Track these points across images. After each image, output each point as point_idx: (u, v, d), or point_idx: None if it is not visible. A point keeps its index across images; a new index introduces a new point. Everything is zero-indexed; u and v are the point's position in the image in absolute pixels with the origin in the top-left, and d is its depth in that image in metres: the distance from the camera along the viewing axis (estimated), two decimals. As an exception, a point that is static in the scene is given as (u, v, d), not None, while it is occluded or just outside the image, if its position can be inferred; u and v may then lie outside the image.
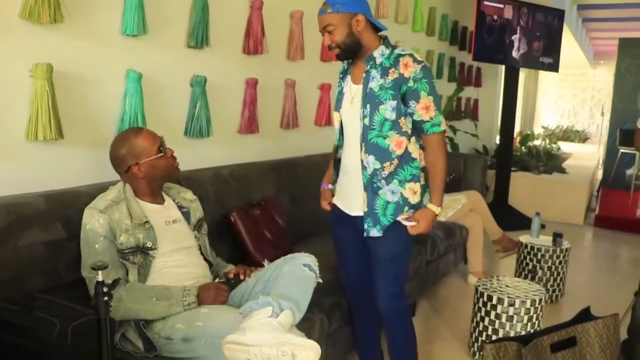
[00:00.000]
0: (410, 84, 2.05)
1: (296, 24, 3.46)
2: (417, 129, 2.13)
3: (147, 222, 1.95)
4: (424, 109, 2.07)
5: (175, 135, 2.68)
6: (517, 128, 11.58)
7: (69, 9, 2.09)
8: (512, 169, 6.27)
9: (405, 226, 2.14)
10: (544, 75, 14.87)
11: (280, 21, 3.39)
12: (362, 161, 2.14)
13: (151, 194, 2.05)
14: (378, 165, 2.11)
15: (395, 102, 2.07)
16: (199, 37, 2.68)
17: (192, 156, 2.76)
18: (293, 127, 3.56)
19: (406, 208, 2.14)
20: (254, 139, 3.26)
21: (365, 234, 2.17)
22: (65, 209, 1.98)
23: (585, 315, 1.78)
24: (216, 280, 2.11)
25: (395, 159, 2.10)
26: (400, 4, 4.89)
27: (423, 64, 2.07)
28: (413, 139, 2.14)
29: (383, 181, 2.11)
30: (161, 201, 2.10)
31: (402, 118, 2.09)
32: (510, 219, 5.55)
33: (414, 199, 2.15)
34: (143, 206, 2.00)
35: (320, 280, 2.02)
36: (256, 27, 3.07)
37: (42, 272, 1.87)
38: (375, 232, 2.15)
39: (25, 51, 2.00)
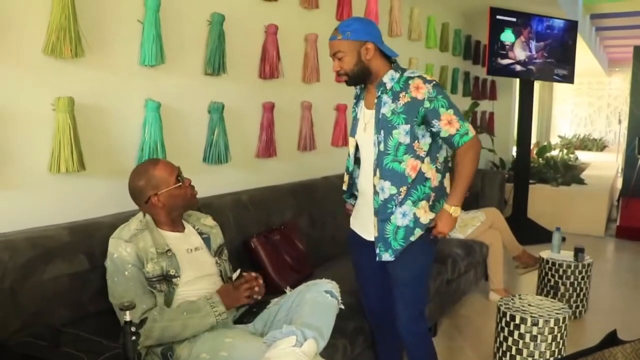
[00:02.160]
0: (427, 104, 2.05)
1: (311, 47, 3.49)
2: (449, 146, 2.13)
3: (169, 250, 1.96)
4: (447, 124, 2.07)
5: (194, 162, 2.71)
6: (533, 139, 11.53)
7: (89, 43, 2.13)
8: (530, 181, 6.23)
9: (421, 248, 2.13)
10: (558, 84, 14.76)
11: (295, 45, 3.42)
12: (374, 186, 2.15)
13: (171, 223, 2.07)
14: (394, 191, 2.11)
15: (409, 125, 2.07)
16: (216, 64, 2.72)
17: (211, 182, 2.78)
18: (310, 149, 3.57)
19: (417, 230, 2.13)
20: (272, 163, 3.28)
21: (377, 259, 2.17)
22: (88, 240, 2.00)
23: (612, 339, 1.76)
24: (239, 310, 2.11)
25: (410, 183, 2.11)
26: (413, 22, 4.91)
27: (433, 82, 2.08)
28: (427, 159, 2.14)
29: (398, 205, 2.11)
30: (182, 229, 2.11)
31: (416, 141, 2.09)
32: (529, 232, 5.51)
33: (424, 218, 2.14)
34: (164, 235, 2.02)
35: (342, 307, 2.02)
36: (271, 52, 3.10)
37: (67, 305, 1.89)
38: (387, 257, 2.15)
39: (48, 85, 2.05)
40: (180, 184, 2.06)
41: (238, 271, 2.14)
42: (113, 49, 2.28)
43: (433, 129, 2.09)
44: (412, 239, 2.13)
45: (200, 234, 2.17)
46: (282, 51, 3.19)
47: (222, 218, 2.51)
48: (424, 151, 2.12)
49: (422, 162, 2.13)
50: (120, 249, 1.89)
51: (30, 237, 1.86)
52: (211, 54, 2.70)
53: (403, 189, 2.11)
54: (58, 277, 1.87)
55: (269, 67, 3.10)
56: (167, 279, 1.93)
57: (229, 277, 2.15)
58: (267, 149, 3.18)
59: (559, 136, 14.73)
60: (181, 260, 1.99)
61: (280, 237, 2.78)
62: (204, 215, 2.28)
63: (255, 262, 2.63)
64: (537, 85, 12.10)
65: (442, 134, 2.09)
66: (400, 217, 2.12)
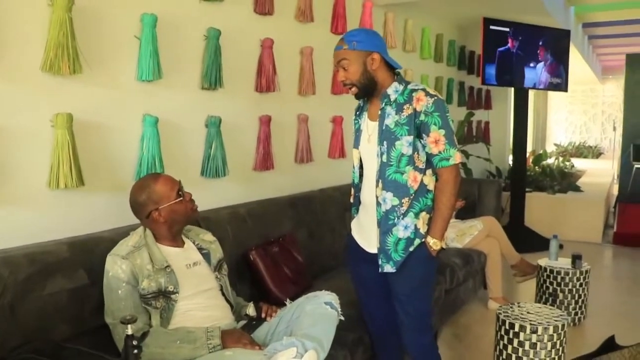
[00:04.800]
0: (422, 117, 2.07)
1: (306, 60, 3.52)
2: (430, 162, 2.14)
3: (168, 266, 1.97)
4: (433, 142, 2.08)
5: (192, 176, 2.73)
6: (529, 147, 11.56)
7: (87, 59, 2.15)
8: (527, 189, 6.25)
9: (421, 259, 2.14)
10: (553, 93, 14.85)
11: (290, 58, 3.45)
12: (377, 197, 2.16)
13: (171, 238, 2.08)
14: (396, 202, 2.12)
15: (411, 137, 2.09)
16: (213, 78, 2.74)
17: (209, 196, 2.80)
18: (307, 161, 3.59)
19: (417, 240, 2.14)
20: (270, 175, 3.30)
21: (380, 270, 2.17)
22: (87, 255, 2.00)
23: (610, 345, 1.77)
24: (239, 323, 2.12)
25: (413, 194, 2.12)
26: (408, 34, 4.96)
27: (435, 97, 2.09)
28: (429, 171, 2.15)
29: (401, 217, 2.12)
30: (181, 244, 2.12)
31: (416, 153, 2.11)
32: (527, 240, 5.52)
33: (423, 228, 2.15)
34: (164, 250, 2.02)
35: (343, 318, 2.03)
36: (267, 66, 3.13)
37: (67, 320, 1.89)
38: (389, 268, 2.16)
39: (46, 102, 2.07)
40: (181, 198, 2.07)
41: (251, 305, 2.16)
42: (110, 65, 2.30)
43: (422, 142, 2.11)
44: (412, 249, 2.13)
45: (200, 249, 2.18)
46: (278, 64, 3.22)
47: (221, 231, 2.53)
48: (423, 163, 2.13)
49: (424, 174, 2.14)
50: (116, 267, 1.90)
51: (29, 253, 1.86)
52: (208, 68, 2.73)
53: (405, 200, 2.12)
54: (58, 293, 1.87)
55: (265, 81, 3.13)
56: (165, 295, 1.93)
57: (245, 314, 2.16)
58: (265, 161, 3.20)
59: (555, 144, 14.79)
60: (180, 275, 1.99)
61: (279, 249, 2.79)
62: (203, 231, 2.29)
63: (255, 275, 2.63)
64: (531, 94, 12.14)
65: (427, 150, 2.11)
66: (402, 230, 2.13)
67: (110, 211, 2.30)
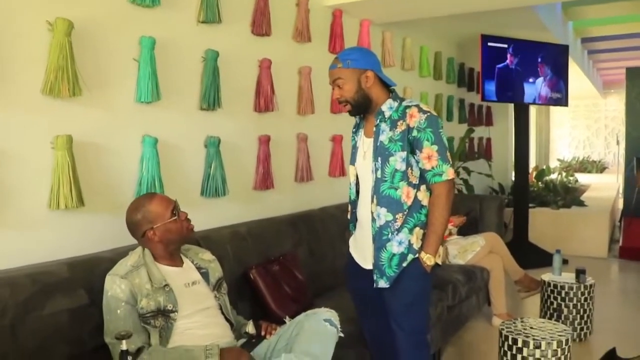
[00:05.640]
0: (415, 133, 2.09)
1: (305, 80, 3.55)
2: (423, 178, 2.15)
3: (166, 285, 1.98)
4: (426, 158, 2.10)
5: (192, 195, 2.75)
6: (532, 163, 11.56)
7: (86, 82, 2.19)
8: (530, 205, 6.24)
9: (415, 274, 2.14)
10: (555, 108, 14.87)
11: (288, 78, 3.49)
12: (372, 213, 2.17)
13: (169, 257, 2.09)
14: (390, 217, 2.13)
15: (405, 153, 2.11)
16: (211, 99, 2.77)
17: (209, 216, 2.81)
18: (307, 180, 3.61)
19: (410, 256, 2.14)
20: (270, 195, 3.31)
21: (374, 285, 2.18)
22: (87, 275, 2.01)
23: (611, 357, 1.76)
24: (239, 342, 2.12)
25: (407, 210, 2.13)
26: (406, 52, 5.00)
27: (428, 113, 2.11)
28: (423, 187, 2.16)
29: (395, 232, 2.13)
30: (180, 263, 2.13)
31: (410, 169, 2.13)
32: (532, 256, 5.49)
33: (417, 244, 2.16)
34: (162, 269, 2.03)
35: (342, 335, 2.02)
36: (266, 86, 3.16)
37: (67, 340, 1.89)
38: (382, 284, 2.16)
39: (46, 124, 2.10)
40: (176, 217, 2.08)
41: (250, 323, 2.16)
42: (110, 87, 2.34)
43: (415, 158, 2.13)
44: (405, 264, 2.14)
45: (199, 268, 2.19)
46: (276, 84, 3.25)
47: (221, 251, 2.53)
48: (417, 178, 2.15)
49: (418, 189, 2.15)
50: (115, 286, 1.91)
51: (30, 273, 1.88)
52: (206, 89, 2.76)
53: (399, 216, 2.13)
54: (58, 313, 1.88)
55: (264, 101, 3.16)
56: (164, 314, 1.94)
57: (245, 332, 2.16)
58: (265, 181, 3.21)
59: (558, 159, 14.76)
60: (179, 294, 2.00)
61: (279, 268, 2.79)
62: (202, 250, 2.30)
63: (255, 294, 2.63)
64: (533, 109, 12.21)
65: (420, 166, 2.13)
66: (397, 245, 2.14)
67: (110, 231, 2.31)
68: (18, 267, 1.94)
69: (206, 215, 2.79)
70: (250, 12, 3.12)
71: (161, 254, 2.07)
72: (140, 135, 2.46)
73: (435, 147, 2.09)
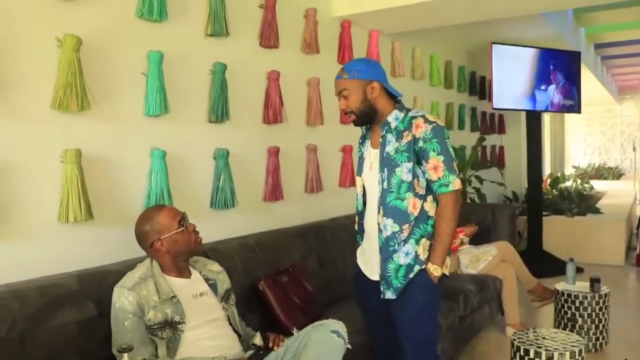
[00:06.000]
0: (421, 144, 2.09)
1: (314, 91, 3.57)
2: (430, 189, 2.15)
3: (174, 296, 1.99)
4: (432, 168, 2.09)
5: (201, 208, 2.76)
6: (547, 170, 11.45)
7: (94, 96, 2.22)
8: (545, 213, 6.18)
9: (422, 285, 2.13)
10: (569, 115, 14.77)
11: (297, 89, 3.50)
12: (378, 224, 2.17)
13: (177, 269, 2.10)
14: (397, 228, 2.12)
15: (411, 163, 2.11)
16: (219, 112, 2.79)
17: (219, 227, 2.83)
18: (317, 190, 3.61)
19: (416, 267, 2.13)
20: (280, 206, 3.32)
21: (381, 296, 2.17)
22: (96, 287, 2.03)
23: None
24: (247, 353, 2.12)
25: (413, 221, 2.12)
26: (416, 62, 5.01)
27: (434, 124, 2.11)
28: (430, 198, 2.16)
29: (402, 243, 2.12)
30: (188, 275, 2.14)
31: (416, 179, 2.12)
32: (546, 265, 5.44)
33: (424, 255, 2.14)
34: (170, 281, 2.05)
35: (349, 346, 2.01)
36: (274, 98, 3.18)
37: (75, 351, 1.91)
38: (389, 295, 2.16)
39: (55, 139, 2.13)
40: (183, 229, 2.10)
41: (258, 335, 2.16)
42: (118, 101, 2.37)
43: (422, 169, 2.12)
44: (411, 275, 2.13)
45: (207, 279, 2.20)
46: (285, 96, 3.27)
47: (229, 262, 2.54)
48: (423, 189, 2.14)
49: (424, 200, 2.15)
50: (123, 298, 1.92)
51: (39, 286, 1.90)
52: (214, 102, 2.79)
53: (405, 227, 2.12)
54: (67, 324, 1.90)
55: (272, 113, 3.18)
56: (171, 326, 1.95)
57: (252, 344, 2.16)
58: (274, 192, 3.22)
59: (574, 166, 14.63)
60: (186, 306, 2.01)
61: (288, 279, 2.79)
62: (210, 262, 2.31)
63: (264, 305, 2.63)
64: (547, 116, 12.12)
65: (427, 176, 2.12)
66: (403, 256, 2.13)
67: (119, 244, 2.33)
68: (27, 279, 1.96)
69: (215, 227, 2.80)
70: (258, 25, 3.14)
71: (169, 266, 2.08)
72: (149, 148, 2.48)
73: (441, 158, 2.08)
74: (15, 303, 1.80)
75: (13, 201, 2.01)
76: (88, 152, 2.20)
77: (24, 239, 2.05)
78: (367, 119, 2.21)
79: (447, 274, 2.19)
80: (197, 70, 2.75)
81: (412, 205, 2.12)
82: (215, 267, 2.28)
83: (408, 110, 2.21)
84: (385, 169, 2.14)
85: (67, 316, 1.91)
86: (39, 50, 2.07)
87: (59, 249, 2.15)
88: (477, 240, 4.18)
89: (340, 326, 2.04)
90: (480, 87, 6.67)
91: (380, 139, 2.19)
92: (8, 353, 1.74)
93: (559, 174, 10.30)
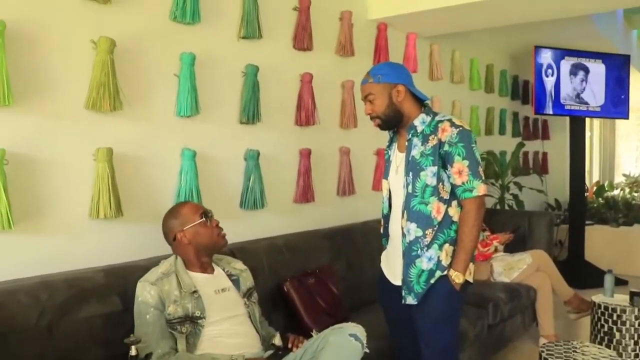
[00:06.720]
0: (446, 147, 2.07)
1: (348, 94, 3.57)
2: (455, 193, 2.12)
3: (195, 291, 2.03)
4: (457, 173, 2.07)
5: (231, 207, 2.80)
6: (595, 177, 11.07)
7: (127, 97, 2.29)
8: (588, 222, 5.99)
9: (443, 292, 2.11)
10: (621, 121, 14.25)
11: (331, 92, 3.51)
12: (402, 228, 2.15)
13: (200, 264, 2.15)
14: (420, 233, 2.10)
15: (436, 167, 2.08)
16: (251, 113, 2.83)
17: (248, 228, 2.86)
18: (349, 193, 3.61)
19: (438, 272, 2.10)
20: (310, 208, 3.33)
21: (403, 301, 2.15)
22: (122, 282, 2.09)
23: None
24: (266, 353, 2.14)
25: (437, 226, 2.10)
26: (455, 65, 4.94)
27: (461, 128, 2.08)
28: (454, 203, 2.13)
29: (425, 248, 2.10)
30: (211, 271, 2.19)
31: (441, 184, 2.10)
32: (587, 275, 5.26)
33: (446, 261, 2.12)
34: (193, 276, 2.09)
35: (367, 350, 2.00)
36: (307, 100, 3.20)
37: (100, 343, 1.97)
38: (410, 300, 2.14)
39: (88, 137, 2.21)
40: (205, 220, 2.15)
41: (277, 335, 2.19)
42: (150, 101, 2.43)
43: (447, 173, 2.10)
44: (433, 281, 2.11)
45: (230, 276, 2.24)
46: (318, 98, 3.28)
47: (256, 262, 2.57)
48: (448, 194, 2.12)
49: (449, 205, 2.12)
50: (145, 292, 1.98)
51: (68, 279, 1.98)
52: (246, 103, 2.82)
53: (429, 232, 2.10)
54: (92, 317, 1.96)
55: (305, 115, 3.20)
56: (192, 320, 1.99)
57: (271, 343, 2.19)
58: (305, 194, 3.24)
59: (624, 175, 14.10)
60: (208, 301, 2.05)
61: (314, 281, 2.80)
62: (234, 260, 2.35)
63: (289, 306, 2.65)
64: (597, 122, 11.72)
65: (451, 181, 2.10)
66: (426, 261, 2.11)
67: (147, 241, 2.39)
68: (57, 272, 2.04)
69: (245, 227, 2.84)
70: (291, 28, 3.17)
71: (192, 261, 2.13)
72: (180, 148, 2.54)
73: (466, 162, 2.06)
74: (45, 293, 1.88)
75: (48, 197, 2.10)
76: (120, 151, 2.28)
77: (57, 233, 2.13)
78: (392, 123, 2.20)
79: (471, 281, 2.16)
80: (229, 72, 2.80)
81: (436, 209, 2.10)
82: (239, 265, 2.31)
83: (435, 114, 2.19)
84: (411, 173, 2.13)
85: (93, 309, 1.97)
86: (74, 52, 2.15)
87: (89, 244, 2.23)
88: (512, 247, 4.09)
89: (358, 330, 2.03)
90: (523, 91, 6.52)
91: (407, 143, 2.17)
92: (37, 341, 1.82)
93: (605, 182, 9.94)
